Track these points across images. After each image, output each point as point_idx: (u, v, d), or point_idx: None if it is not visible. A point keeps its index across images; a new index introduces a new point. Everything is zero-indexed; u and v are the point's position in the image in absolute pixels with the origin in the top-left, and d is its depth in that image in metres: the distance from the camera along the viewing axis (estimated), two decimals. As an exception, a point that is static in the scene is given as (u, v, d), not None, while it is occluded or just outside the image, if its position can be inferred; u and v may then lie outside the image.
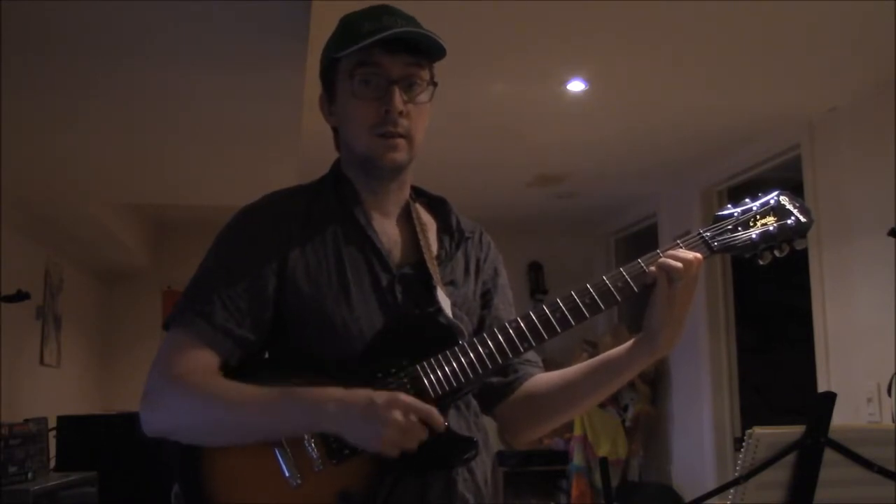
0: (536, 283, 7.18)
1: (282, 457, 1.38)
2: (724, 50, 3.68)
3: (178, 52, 3.17)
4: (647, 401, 6.19)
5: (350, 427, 1.35)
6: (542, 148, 5.10)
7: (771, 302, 5.97)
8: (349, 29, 1.52)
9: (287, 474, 1.38)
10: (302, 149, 4.23)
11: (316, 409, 1.37)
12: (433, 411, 1.37)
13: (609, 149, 5.14)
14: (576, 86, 4.06)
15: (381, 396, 1.35)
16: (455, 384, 1.43)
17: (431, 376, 1.42)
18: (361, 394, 1.36)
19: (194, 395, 1.40)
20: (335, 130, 1.61)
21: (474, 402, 1.58)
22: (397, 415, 1.33)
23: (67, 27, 2.92)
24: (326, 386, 1.39)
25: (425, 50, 1.52)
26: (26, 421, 3.77)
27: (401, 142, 1.51)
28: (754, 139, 4.87)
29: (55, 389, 5.87)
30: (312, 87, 3.18)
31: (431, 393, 1.41)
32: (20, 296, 4.16)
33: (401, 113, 1.49)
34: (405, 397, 1.35)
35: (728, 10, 3.27)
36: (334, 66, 1.54)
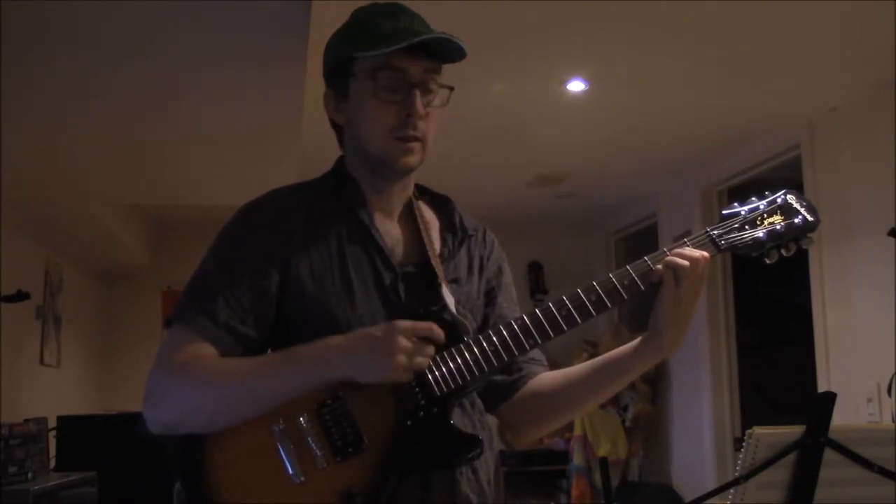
0: (536, 283, 7.19)
1: (285, 454, 1.38)
2: (724, 50, 3.68)
3: (178, 52, 3.17)
4: (647, 401, 6.19)
5: (358, 366, 1.37)
6: (542, 148, 5.10)
7: (771, 301, 5.97)
8: (367, 28, 1.50)
9: (290, 472, 1.37)
10: (302, 149, 4.23)
11: (320, 359, 1.38)
12: (433, 326, 1.39)
13: (609, 149, 5.14)
14: (576, 86, 4.06)
15: (378, 329, 1.38)
16: (460, 380, 1.42)
17: (436, 372, 1.41)
18: (359, 332, 1.39)
19: (198, 378, 1.40)
20: (338, 128, 1.60)
21: (479, 401, 1.58)
22: (401, 339, 1.35)
23: (67, 27, 2.92)
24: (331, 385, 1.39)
25: (444, 54, 1.52)
26: (26, 421, 3.77)
27: (416, 145, 1.51)
28: (754, 139, 4.87)
29: (55, 389, 5.87)
30: (312, 86, 3.19)
31: (436, 389, 1.41)
32: (20, 296, 4.16)
33: (420, 117, 1.50)
34: (402, 322, 1.37)
35: (728, 11, 3.27)
36: (349, 64, 1.52)
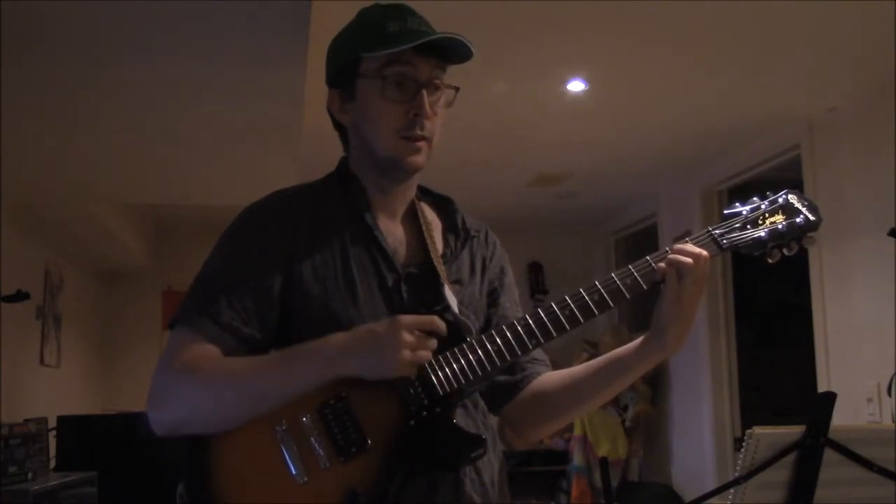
0: (536, 283, 7.19)
1: (288, 454, 1.38)
2: (724, 50, 3.68)
3: (178, 51, 3.17)
4: (647, 401, 6.18)
5: (361, 363, 1.37)
6: (542, 148, 5.10)
7: (771, 301, 5.97)
8: (374, 28, 1.51)
9: (294, 472, 1.37)
10: (302, 148, 4.23)
11: (323, 356, 1.38)
12: (434, 319, 1.39)
13: (609, 149, 5.14)
14: (576, 86, 4.06)
15: (380, 324, 1.38)
16: (464, 381, 1.42)
17: (440, 373, 1.41)
18: (362, 328, 1.39)
19: (201, 377, 1.40)
20: (342, 128, 1.60)
21: (482, 402, 1.58)
22: (404, 334, 1.35)
23: (67, 27, 2.92)
24: (332, 384, 1.39)
25: (451, 54, 1.52)
26: (26, 421, 3.76)
27: (423, 145, 1.52)
28: (754, 139, 4.87)
29: (55, 389, 5.87)
30: (313, 86, 3.19)
31: (440, 390, 1.41)
32: (20, 296, 4.15)
33: (427, 117, 1.50)
34: (404, 316, 1.38)
35: (728, 11, 3.27)
36: (356, 64, 1.52)
